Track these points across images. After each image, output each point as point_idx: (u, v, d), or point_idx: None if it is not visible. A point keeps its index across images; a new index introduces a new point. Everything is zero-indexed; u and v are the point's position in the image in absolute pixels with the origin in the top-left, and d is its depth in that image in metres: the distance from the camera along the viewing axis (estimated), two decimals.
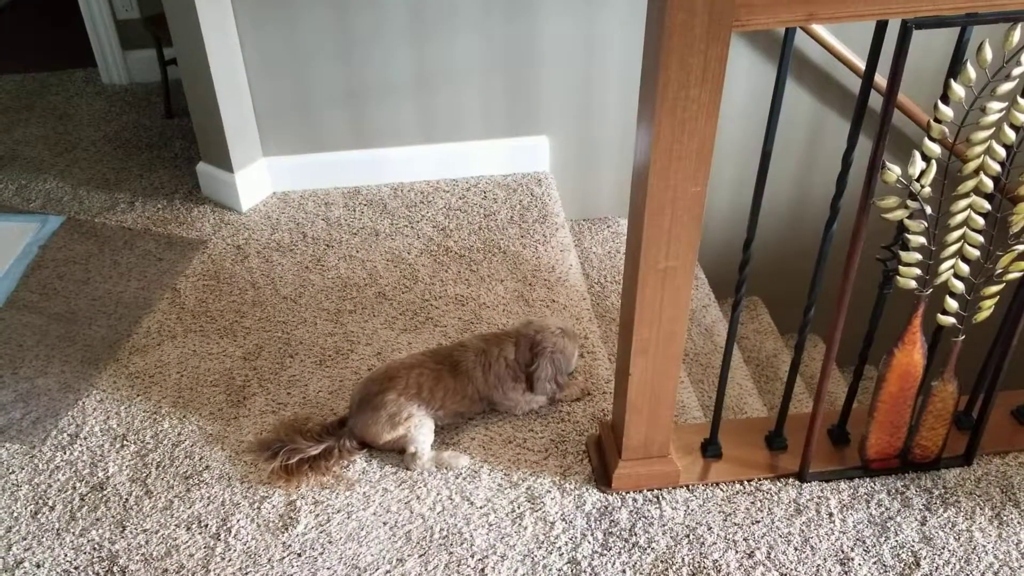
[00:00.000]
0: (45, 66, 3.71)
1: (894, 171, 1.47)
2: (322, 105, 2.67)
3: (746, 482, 1.87)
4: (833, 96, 2.84)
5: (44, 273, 2.51)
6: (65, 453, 1.97)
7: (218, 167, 2.71)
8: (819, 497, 1.84)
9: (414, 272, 2.48)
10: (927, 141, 1.46)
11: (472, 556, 1.74)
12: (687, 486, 1.87)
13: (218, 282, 2.47)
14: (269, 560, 1.73)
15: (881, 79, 1.43)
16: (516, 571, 1.71)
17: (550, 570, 1.71)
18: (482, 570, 1.71)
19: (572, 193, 2.87)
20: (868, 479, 1.88)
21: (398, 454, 1.93)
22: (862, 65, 2.61)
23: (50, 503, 1.86)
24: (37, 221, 2.72)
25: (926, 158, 1.47)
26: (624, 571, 1.71)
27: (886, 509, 1.82)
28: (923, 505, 1.83)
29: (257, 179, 2.74)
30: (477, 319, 2.32)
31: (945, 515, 1.81)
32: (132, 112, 3.34)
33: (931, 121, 1.44)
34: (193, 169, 2.82)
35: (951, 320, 1.66)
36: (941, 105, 1.41)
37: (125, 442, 1.99)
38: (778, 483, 1.87)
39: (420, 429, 1.89)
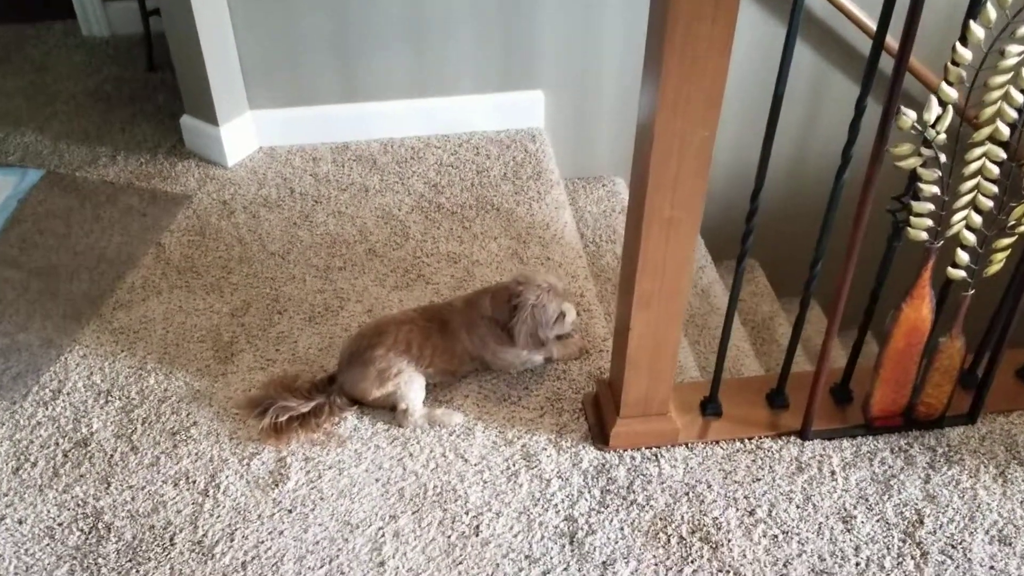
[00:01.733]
0: (22, 17, 3.58)
1: (909, 116, 1.43)
2: (310, 57, 2.59)
3: (747, 440, 1.84)
4: (836, 54, 2.78)
5: (24, 227, 2.44)
6: (47, 409, 1.91)
7: (203, 120, 2.63)
8: (821, 455, 1.81)
9: (405, 229, 2.43)
10: (944, 85, 1.41)
11: (467, 513, 1.70)
12: (686, 444, 1.83)
13: (204, 238, 2.40)
14: (259, 516, 1.69)
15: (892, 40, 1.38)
16: (511, 528, 1.68)
17: (546, 527, 1.68)
18: (477, 527, 1.67)
19: (567, 151, 2.81)
20: (871, 437, 1.85)
21: (390, 411, 1.88)
22: (866, 19, 2.55)
23: (32, 459, 1.80)
24: (15, 175, 2.64)
25: (942, 103, 1.43)
26: (622, 528, 1.68)
27: (889, 467, 1.79)
28: (927, 463, 1.80)
29: (243, 133, 2.67)
30: (470, 276, 2.26)
31: (949, 473, 1.78)
32: (113, 65, 3.24)
33: (948, 64, 1.39)
34: (177, 124, 2.74)
35: (961, 274, 1.62)
36: (959, 47, 1.36)
37: (109, 398, 1.93)
38: (779, 441, 1.84)
39: (410, 385, 1.84)
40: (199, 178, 2.62)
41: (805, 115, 2.91)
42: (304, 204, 2.52)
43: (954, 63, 1.38)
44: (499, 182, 2.59)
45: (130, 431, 1.86)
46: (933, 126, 1.44)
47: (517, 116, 2.76)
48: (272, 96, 2.67)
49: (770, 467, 1.79)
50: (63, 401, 1.93)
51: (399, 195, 2.55)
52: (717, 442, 1.84)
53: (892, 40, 1.41)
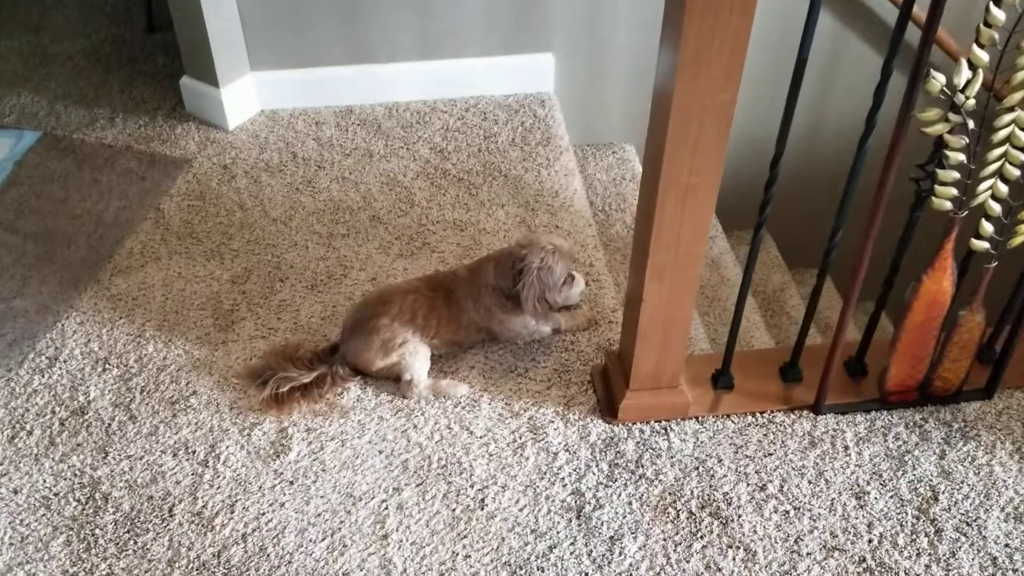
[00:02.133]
0: None
1: (939, 80, 1.37)
2: (314, 17, 2.52)
3: (759, 414, 1.80)
4: (853, 17, 2.70)
5: (20, 190, 2.38)
6: (43, 376, 1.87)
7: (203, 81, 2.56)
8: (834, 430, 1.77)
9: (410, 196, 2.37)
10: (975, 48, 1.35)
11: (472, 486, 1.67)
12: (697, 418, 1.79)
13: (204, 203, 2.35)
14: (260, 488, 1.66)
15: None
16: (518, 502, 1.64)
17: (553, 501, 1.64)
18: (482, 500, 1.64)
19: (577, 116, 2.74)
20: (885, 412, 1.81)
21: (394, 382, 1.84)
22: None
23: (28, 428, 1.77)
24: (12, 137, 2.58)
25: (972, 67, 1.37)
26: (630, 503, 1.64)
27: (904, 442, 1.76)
28: (942, 439, 1.76)
29: (244, 95, 2.60)
30: (477, 245, 2.21)
31: (964, 449, 1.74)
32: (112, 25, 3.16)
33: (980, 26, 1.33)
34: (176, 85, 2.68)
35: (985, 245, 1.57)
36: (992, 7, 1.30)
37: (107, 366, 1.89)
38: (792, 415, 1.80)
39: (415, 356, 1.80)
40: (199, 141, 2.56)
41: (820, 81, 2.84)
42: (307, 169, 2.46)
43: (986, 24, 1.32)
44: (507, 148, 2.53)
45: (128, 400, 1.82)
46: (962, 90, 1.39)
47: (526, 80, 2.69)
48: (274, 57, 2.60)
49: (782, 442, 1.75)
50: (60, 369, 1.89)
51: (404, 161, 2.49)
52: (728, 416, 1.80)
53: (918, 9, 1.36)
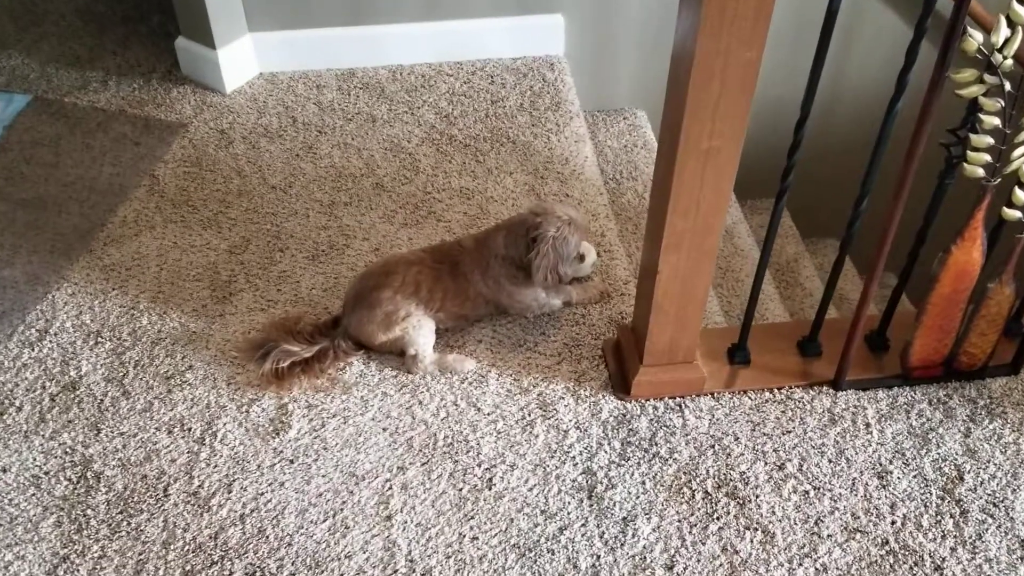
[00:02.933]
0: None
1: (975, 38, 1.28)
2: None
3: (776, 390, 1.74)
4: None
5: (9, 156, 2.31)
6: (33, 350, 1.81)
7: (199, 43, 2.48)
8: (855, 406, 1.71)
9: (415, 162, 2.29)
10: (1015, 4, 1.27)
11: (479, 465, 1.61)
12: (712, 394, 1.73)
13: (200, 169, 2.28)
14: (259, 466, 1.60)
15: None
16: (527, 481, 1.59)
17: (563, 480, 1.59)
18: (490, 480, 1.59)
19: (588, 80, 2.65)
20: (908, 388, 1.75)
21: (398, 356, 1.78)
22: None
23: (17, 403, 1.71)
24: (1, 100, 2.50)
25: (1011, 24, 1.29)
26: (644, 482, 1.59)
27: (927, 420, 1.69)
28: (967, 416, 1.70)
29: (242, 57, 2.52)
30: (484, 214, 2.14)
31: (990, 427, 1.68)
32: None
33: None
34: (172, 47, 2.59)
35: (1017, 214, 1.49)
36: None
37: (100, 339, 1.83)
38: (811, 391, 1.74)
39: (419, 330, 1.74)
40: (195, 105, 2.48)
41: (840, 44, 2.74)
42: (307, 134, 2.39)
43: None
44: (515, 113, 2.45)
45: (121, 375, 1.77)
46: (1000, 50, 1.30)
47: (535, 42, 2.60)
48: (273, 17, 2.51)
49: (801, 419, 1.69)
50: (50, 342, 1.83)
51: (408, 126, 2.41)
52: (745, 392, 1.74)
53: None
